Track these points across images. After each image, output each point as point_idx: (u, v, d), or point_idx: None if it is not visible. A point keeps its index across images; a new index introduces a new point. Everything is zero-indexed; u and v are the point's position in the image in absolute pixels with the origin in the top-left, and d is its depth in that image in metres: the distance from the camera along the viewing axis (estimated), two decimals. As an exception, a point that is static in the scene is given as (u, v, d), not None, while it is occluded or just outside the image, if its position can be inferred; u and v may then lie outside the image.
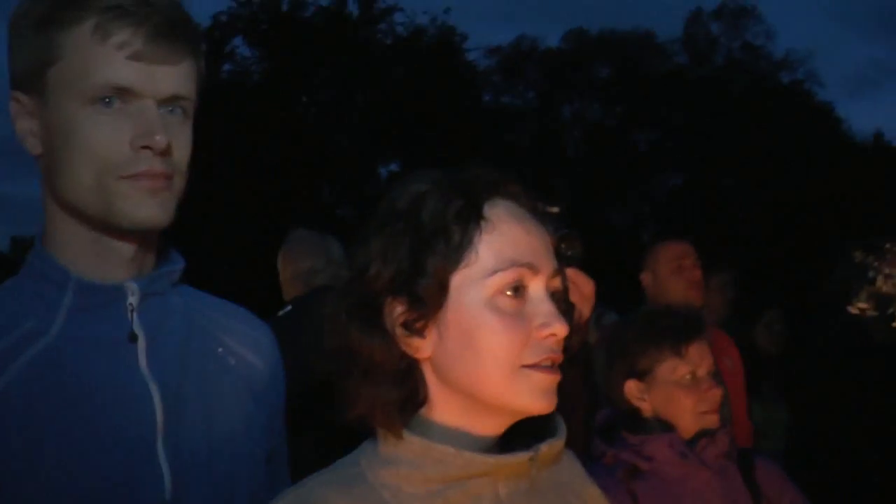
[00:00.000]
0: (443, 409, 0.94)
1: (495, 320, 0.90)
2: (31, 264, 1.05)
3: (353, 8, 19.22)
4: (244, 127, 16.25)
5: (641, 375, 1.82)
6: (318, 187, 18.00)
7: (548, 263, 0.95)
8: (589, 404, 2.09)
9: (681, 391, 1.78)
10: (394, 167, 19.72)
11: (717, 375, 1.89)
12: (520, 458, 0.93)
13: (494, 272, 0.91)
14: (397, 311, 0.92)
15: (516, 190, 0.97)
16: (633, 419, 1.84)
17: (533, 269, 0.93)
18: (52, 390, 0.97)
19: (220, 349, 1.12)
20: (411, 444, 0.91)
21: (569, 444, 1.01)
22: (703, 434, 1.79)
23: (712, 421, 1.79)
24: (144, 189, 0.99)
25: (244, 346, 1.16)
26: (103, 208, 0.99)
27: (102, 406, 0.98)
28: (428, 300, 0.91)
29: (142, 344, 1.02)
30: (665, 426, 1.80)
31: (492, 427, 0.94)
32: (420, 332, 0.92)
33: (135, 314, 1.03)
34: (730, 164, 19.66)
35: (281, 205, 15.99)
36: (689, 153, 20.39)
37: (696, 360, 1.79)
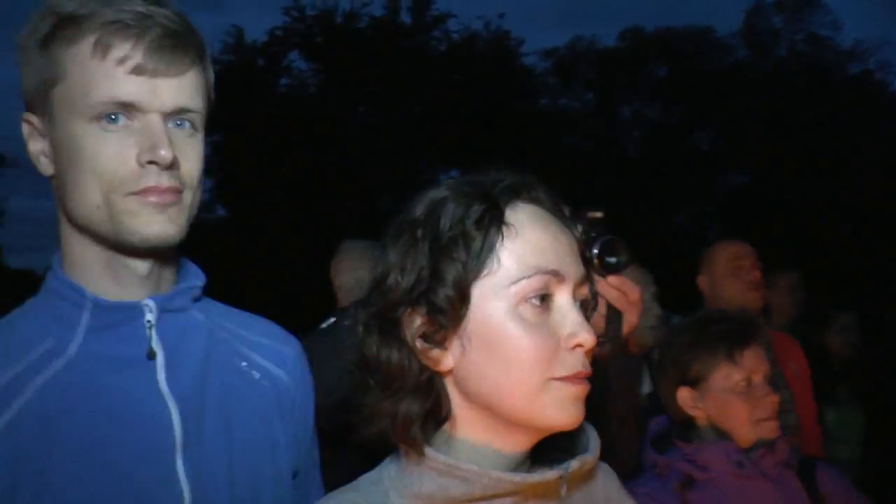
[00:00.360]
0: (466, 424, 0.91)
1: (520, 331, 0.86)
2: (48, 285, 1.06)
3: (405, 18, 19.34)
4: (303, 138, 16.50)
5: (694, 383, 1.75)
6: (376, 196, 18.15)
7: (574, 270, 0.90)
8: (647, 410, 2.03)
9: (736, 399, 1.70)
10: (453, 174, 19.69)
11: (774, 381, 1.80)
12: (548, 476, 0.89)
13: (518, 280, 0.87)
14: (416, 322, 0.89)
15: (539, 193, 0.93)
16: (686, 428, 1.77)
17: (558, 276, 0.89)
18: (70, 409, 0.97)
19: (243, 363, 1.11)
20: (434, 462, 0.88)
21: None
22: (763, 443, 1.70)
23: (771, 429, 1.71)
24: (152, 205, 0.98)
25: (269, 360, 1.14)
26: (112, 226, 0.99)
27: (120, 424, 0.98)
28: (448, 310, 0.87)
29: (160, 361, 1.02)
30: (721, 435, 1.72)
31: (519, 443, 0.91)
32: (441, 344, 0.89)
33: (153, 331, 1.03)
34: (797, 160, 19.04)
35: (340, 214, 16.17)
36: (754, 151, 19.83)
37: (751, 366, 1.72)
